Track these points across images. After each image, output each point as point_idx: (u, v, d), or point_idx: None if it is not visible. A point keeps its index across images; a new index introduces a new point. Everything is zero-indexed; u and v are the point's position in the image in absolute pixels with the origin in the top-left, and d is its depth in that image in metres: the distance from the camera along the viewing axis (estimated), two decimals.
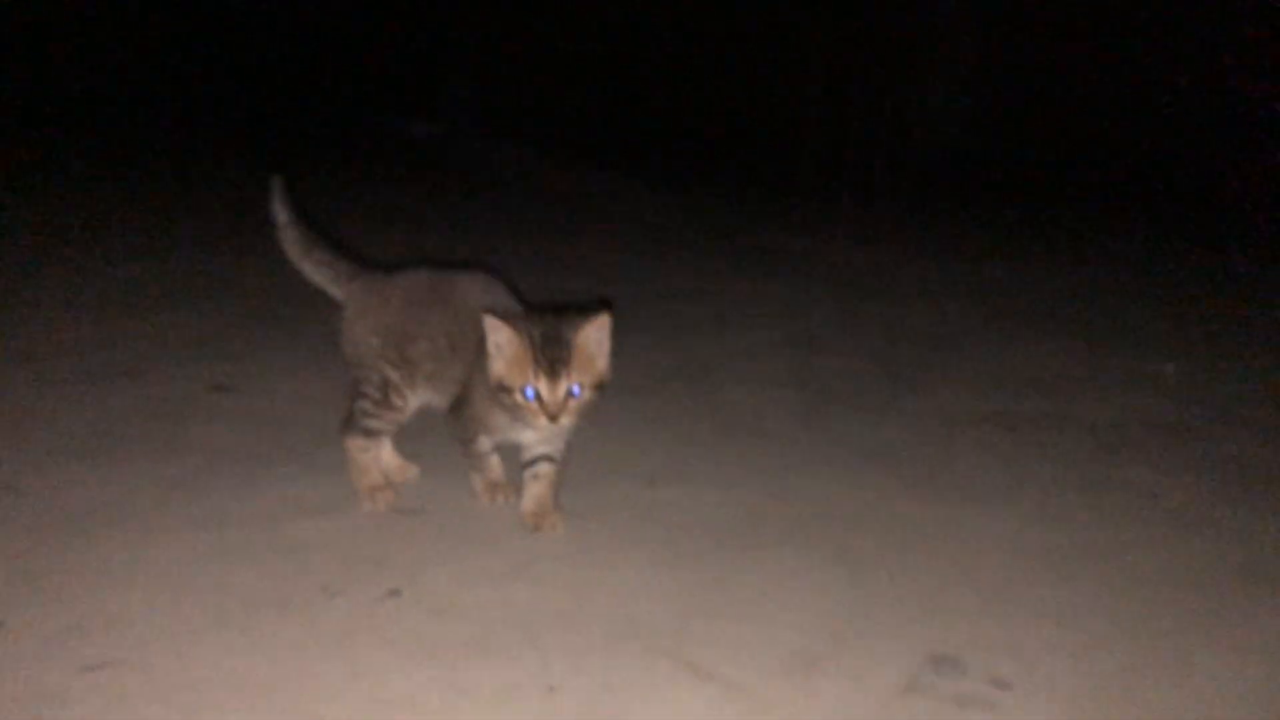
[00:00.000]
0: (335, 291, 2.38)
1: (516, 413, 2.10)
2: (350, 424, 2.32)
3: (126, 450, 2.54)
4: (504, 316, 2.07)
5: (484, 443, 2.31)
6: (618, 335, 2.14)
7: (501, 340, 2.06)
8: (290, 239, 2.38)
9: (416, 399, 2.34)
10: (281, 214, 2.38)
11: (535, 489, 2.28)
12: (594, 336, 2.08)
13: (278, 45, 11.83)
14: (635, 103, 11.62)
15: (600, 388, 2.12)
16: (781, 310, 4.44)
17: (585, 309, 2.12)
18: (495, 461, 2.36)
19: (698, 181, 8.22)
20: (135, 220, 5.27)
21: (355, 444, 2.32)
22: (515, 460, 2.33)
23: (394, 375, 2.29)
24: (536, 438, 2.23)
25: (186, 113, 10.09)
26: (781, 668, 1.83)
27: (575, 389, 2.07)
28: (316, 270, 2.38)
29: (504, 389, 2.07)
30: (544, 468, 2.27)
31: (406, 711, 1.65)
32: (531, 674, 1.76)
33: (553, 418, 2.05)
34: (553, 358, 2.04)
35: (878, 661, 1.86)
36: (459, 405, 2.27)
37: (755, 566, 2.19)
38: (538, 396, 2.06)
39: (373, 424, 2.32)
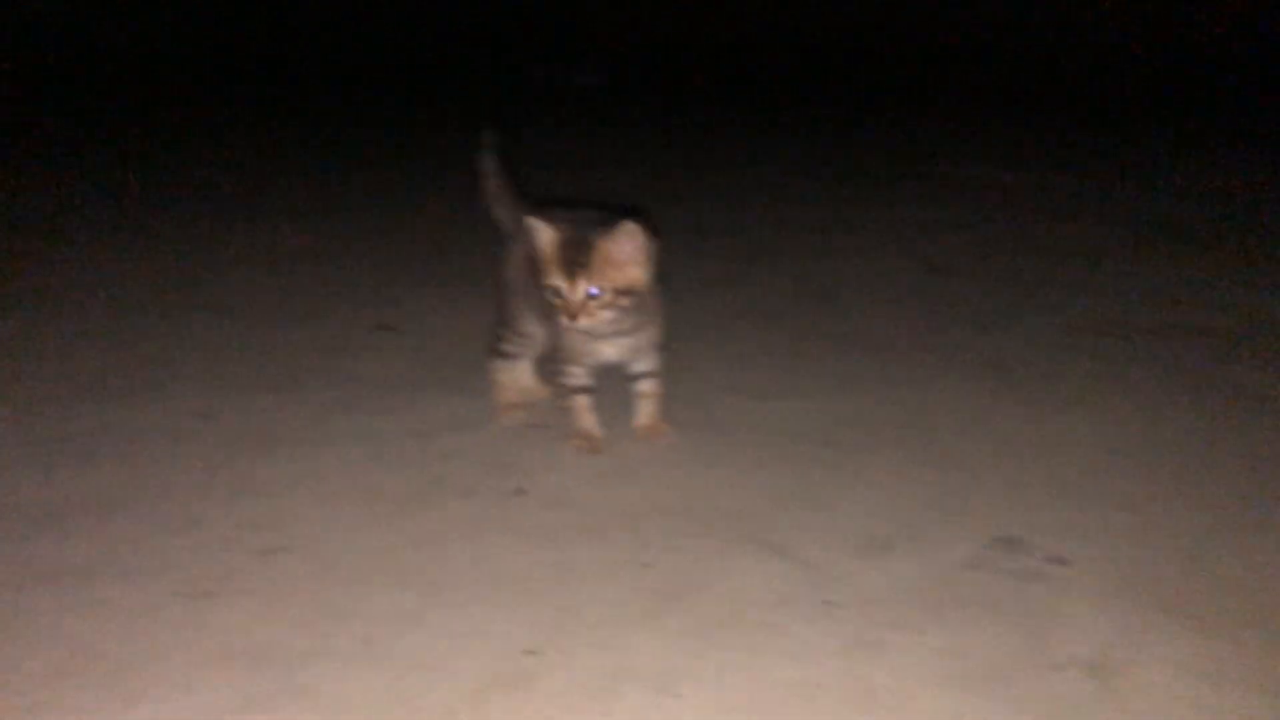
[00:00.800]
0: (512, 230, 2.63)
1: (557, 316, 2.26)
2: (491, 347, 2.63)
3: (300, 382, 2.92)
4: (543, 220, 2.26)
5: (574, 375, 2.46)
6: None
7: (540, 242, 2.25)
8: (489, 189, 2.65)
9: (542, 330, 2.60)
10: (488, 165, 2.66)
11: (643, 405, 2.52)
12: (621, 244, 2.20)
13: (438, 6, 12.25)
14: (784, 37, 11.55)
15: (631, 294, 2.23)
16: (916, 233, 4.51)
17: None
18: (587, 405, 2.49)
19: (835, 109, 8.21)
20: (307, 181, 5.75)
21: (494, 365, 2.63)
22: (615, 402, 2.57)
23: (520, 305, 2.57)
24: (614, 353, 2.40)
25: (348, 72, 10.67)
26: (855, 549, 2.02)
27: (594, 290, 2.19)
28: (504, 215, 2.64)
29: (546, 288, 2.26)
30: (646, 385, 2.50)
31: (516, 584, 1.93)
32: (630, 553, 2.02)
33: (572, 316, 2.20)
34: (571, 259, 2.19)
35: (945, 544, 2.03)
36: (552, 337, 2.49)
37: (848, 465, 2.38)
38: (559, 295, 2.24)
39: (507, 348, 2.62)
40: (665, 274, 2.39)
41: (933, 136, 7.07)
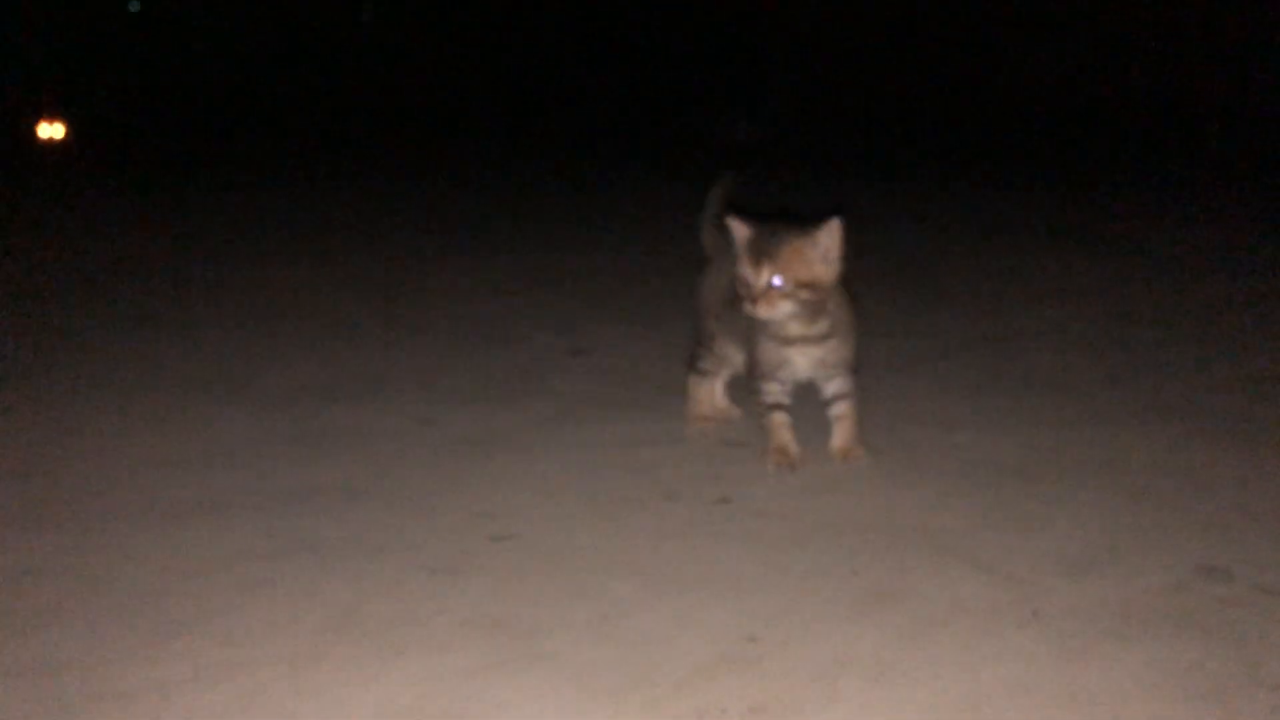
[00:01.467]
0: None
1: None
2: (688, 363, 2.79)
3: (508, 396, 3.13)
4: (740, 219, 2.42)
5: (769, 390, 2.56)
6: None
7: (735, 238, 2.41)
8: (711, 215, 2.82)
9: (735, 350, 2.73)
10: (719, 194, 2.85)
11: (840, 427, 2.62)
12: (818, 239, 2.32)
13: (605, 50, 12.71)
14: (958, 93, 11.56)
15: (813, 289, 2.33)
16: (1098, 287, 4.51)
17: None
18: (784, 422, 2.58)
19: (1023, 170, 8.20)
20: (501, 219, 6.09)
21: (690, 378, 2.78)
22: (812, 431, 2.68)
23: (713, 325, 2.72)
24: (805, 365, 2.49)
25: (519, 122, 11.15)
26: (1058, 568, 2.08)
27: (777, 280, 2.30)
28: (710, 240, 2.82)
29: (739, 280, 2.39)
30: (842, 407, 2.60)
31: (730, 580, 2.06)
32: (836, 561, 2.12)
33: (754, 301, 2.31)
34: (760, 249, 2.33)
35: (1148, 568, 2.07)
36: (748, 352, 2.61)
37: (1037, 493, 2.43)
38: (746, 284, 2.36)
39: (702, 364, 2.78)
40: (858, 302, 2.51)
41: (1108, 194, 7.01)
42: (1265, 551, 2.14)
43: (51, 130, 10.07)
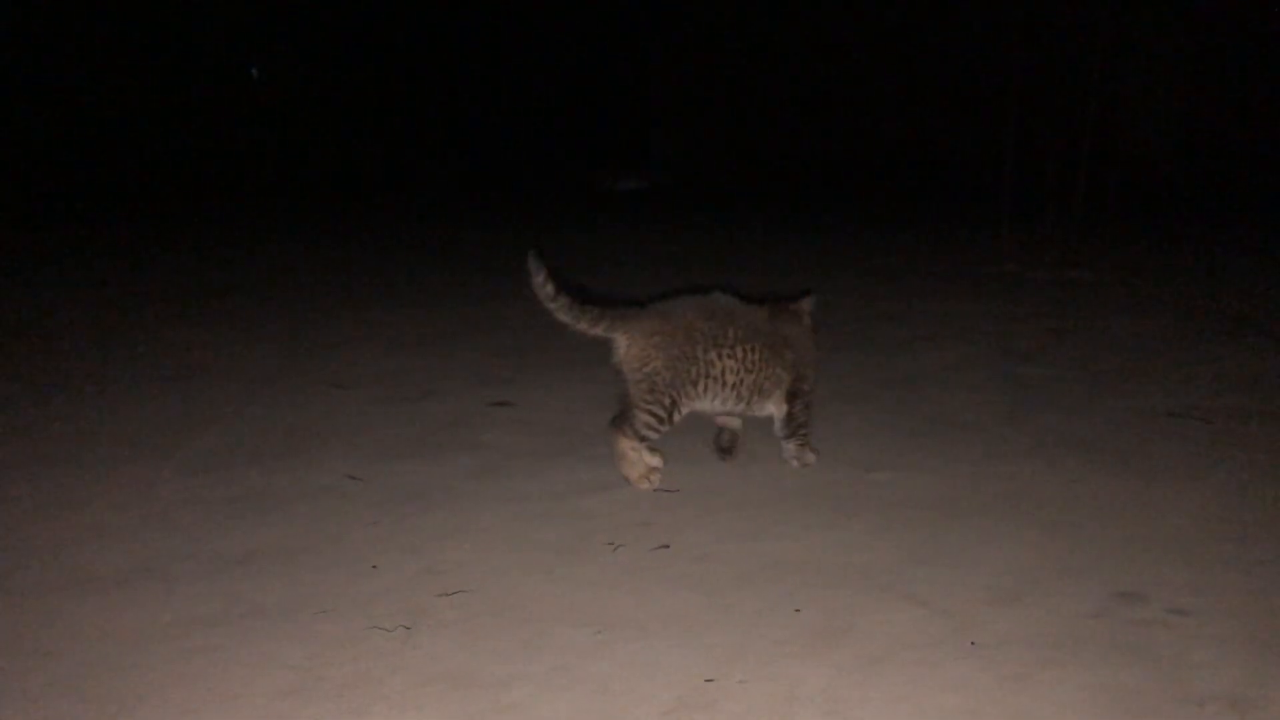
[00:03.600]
0: (614, 336, 2.79)
1: None
2: (629, 428, 2.77)
3: (436, 450, 3.15)
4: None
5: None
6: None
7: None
8: (561, 308, 2.77)
9: (691, 408, 2.83)
10: (547, 288, 2.76)
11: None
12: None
13: (491, 106, 12.87)
14: (831, 143, 12.02)
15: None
16: (988, 327, 4.74)
17: None
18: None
19: (901, 216, 8.54)
20: (399, 273, 6.08)
21: (631, 444, 2.79)
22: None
23: (679, 397, 2.78)
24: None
25: (410, 178, 11.16)
26: (985, 598, 2.21)
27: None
28: (592, 326, 2.77)
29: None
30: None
31: (680, 623, 2.12)
32: (780, 601, 2.21)
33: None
34: None
35: (1070, 596, 2.21)
36: (794, 396, 2.90)
37: (959, 529, 2.57)
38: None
39: (650, 434, 2.78)
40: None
41: (988, 238, 7.35)
42: (1173, 575, 2.30)
43: None
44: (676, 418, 2.80)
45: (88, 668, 1.97)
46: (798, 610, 2.17)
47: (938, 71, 11.80)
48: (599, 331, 2.78)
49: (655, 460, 2.89)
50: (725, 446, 3.03)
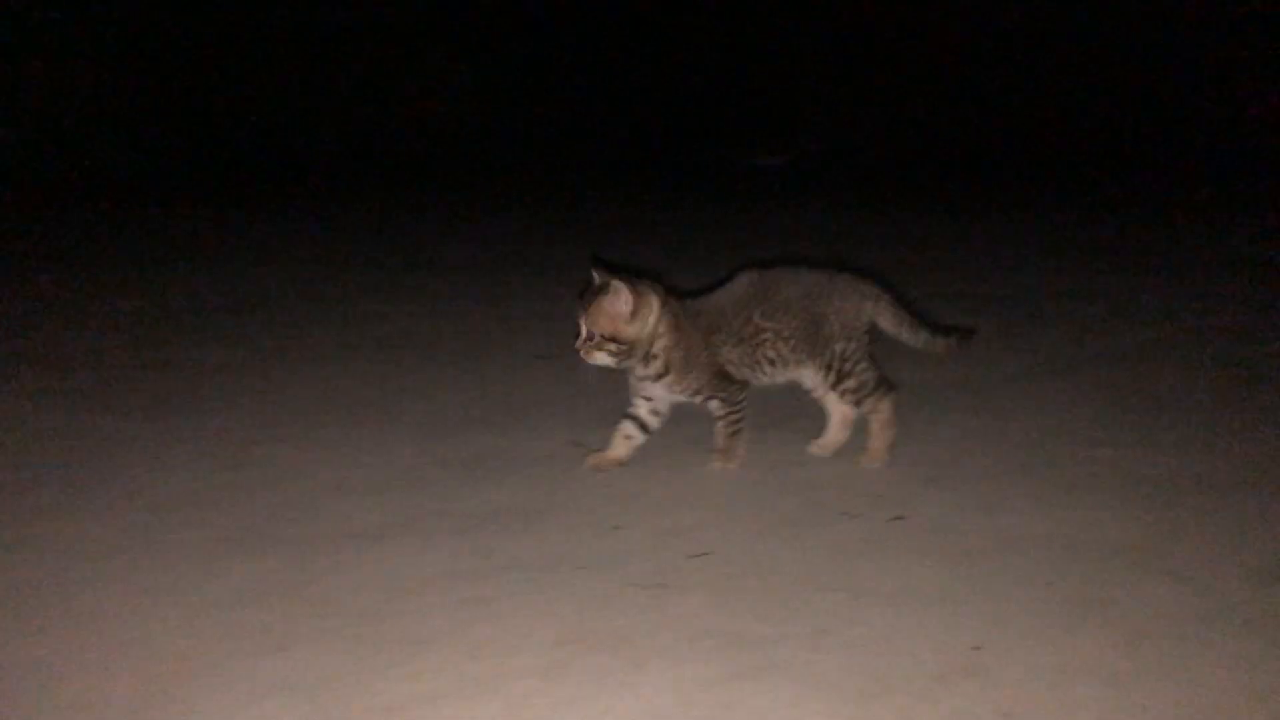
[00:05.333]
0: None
1: None
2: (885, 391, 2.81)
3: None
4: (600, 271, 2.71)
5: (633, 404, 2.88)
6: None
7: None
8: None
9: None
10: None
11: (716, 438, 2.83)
12: (611, 301, 2.62)
13: (633, 83, 12.91)
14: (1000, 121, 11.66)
15: (620, 342, 2.64)
16: (1205, 305, 4.57)
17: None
18: (623, 432, 2.86)
19: (1081, 193, 8.29)
20: (571, 246, 6.20)
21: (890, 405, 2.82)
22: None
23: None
24: (661, 393, 2.81)
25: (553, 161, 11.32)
26: (1247, 575, 2.17)
27: (588, 332, 2.64)
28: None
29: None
30: (716, 426, 2.82)
31: (931, 593, 2.13)
32: (1028, 575, 2.20)
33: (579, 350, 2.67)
34: (580, 304, 2.66)
35: None
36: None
37: (1204, 506, 2.51)
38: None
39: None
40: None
41: (1183, 211, 7.09)
42: None
43: None
44: None
45: (369, 614, 2.09)
46: (1049, 584, 2.16)
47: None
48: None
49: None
50: None
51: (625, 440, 2.84)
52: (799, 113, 13.55)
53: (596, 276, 2.71)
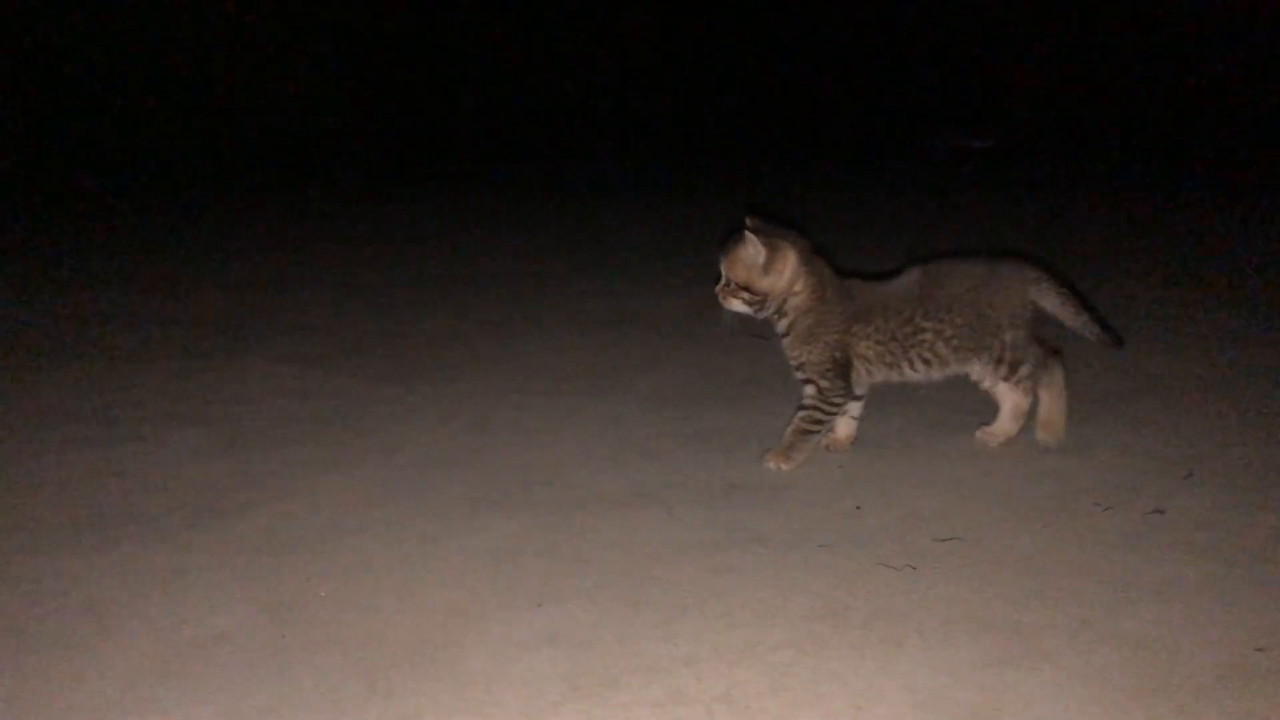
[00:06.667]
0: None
1: None
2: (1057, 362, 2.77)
3: (876, 402, 3.17)
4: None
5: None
6: None
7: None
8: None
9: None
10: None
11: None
12: (742, 250, 2.64)
13: (838, 65, 12.68)
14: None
15: (754, 292, 2.67)
16: None
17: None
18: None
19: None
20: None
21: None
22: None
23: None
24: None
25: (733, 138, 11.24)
26: None
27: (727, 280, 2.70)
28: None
29: None
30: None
31: (1204, 590, 2.04)
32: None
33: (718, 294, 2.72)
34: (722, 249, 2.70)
35: None
36: None
37: None
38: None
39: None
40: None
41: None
42: None
43: None
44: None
45: (625, 576, 2.15)
46: None
47: None
48: None
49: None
50: None
51: (849, 420, 2.83)
52: (1008, 92, 13.01)
53: (748, 223, 2.69)
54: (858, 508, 2.46)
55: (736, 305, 2.72)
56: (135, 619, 2.03)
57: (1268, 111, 10.33)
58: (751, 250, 2.64)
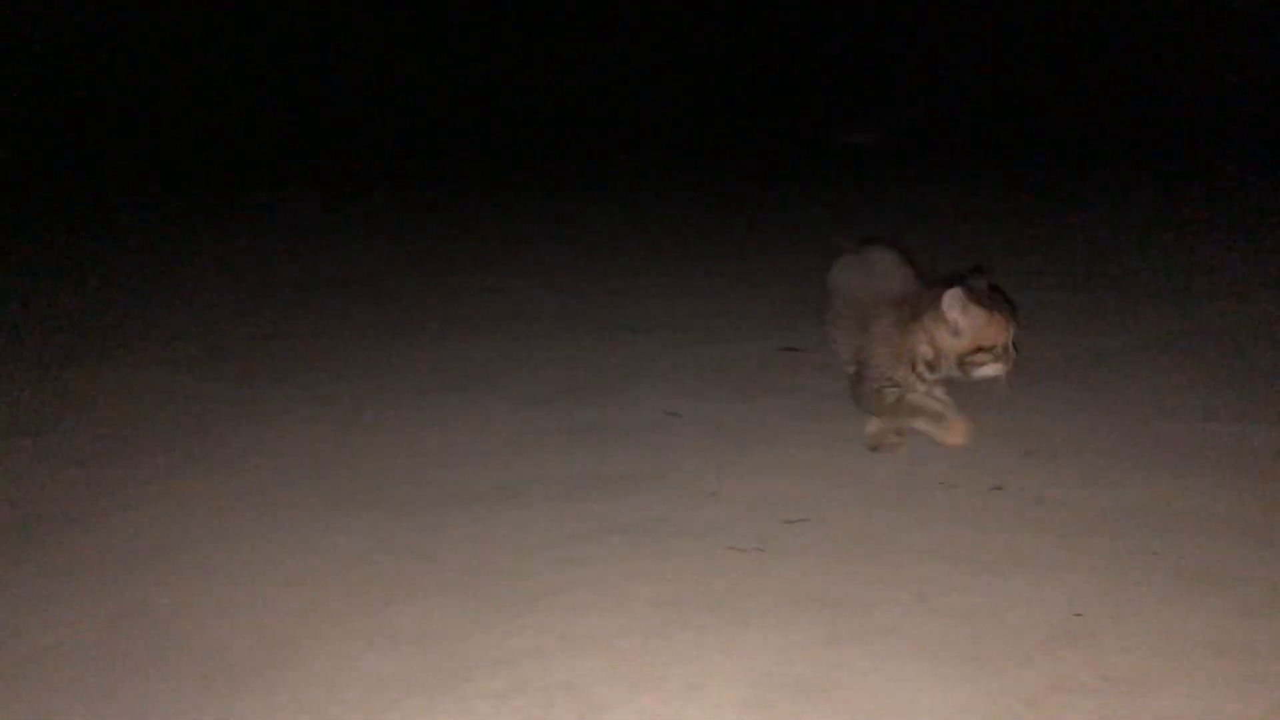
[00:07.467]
0: None
1: None
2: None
3: (745, 390, 3.23)
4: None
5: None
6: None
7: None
8: None
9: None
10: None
11: None
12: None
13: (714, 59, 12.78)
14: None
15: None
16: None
17: None
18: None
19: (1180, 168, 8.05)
20: (666, 224, 6.23)
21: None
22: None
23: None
24: None
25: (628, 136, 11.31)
26: None
27: None
28: None
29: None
30: None
31: (1032, 562, 2.12)
32: (1134, 545, 2.17)
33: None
34: None
35: None
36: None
37: None
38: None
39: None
40: None
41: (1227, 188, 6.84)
42: None
43: None
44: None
45: (477, 572, 2.16)
46: (1156, 554, 2.13)
47: None
48: None
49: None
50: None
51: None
52: (890, 88, 13.28)
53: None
54: (713, 494, 2.50)
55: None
56: None
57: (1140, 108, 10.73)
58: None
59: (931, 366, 2.66)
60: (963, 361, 2.60)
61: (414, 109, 11.64)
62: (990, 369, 2.60)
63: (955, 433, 2.67)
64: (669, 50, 12.71)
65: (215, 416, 3.09)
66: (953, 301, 2.54)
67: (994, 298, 2.65)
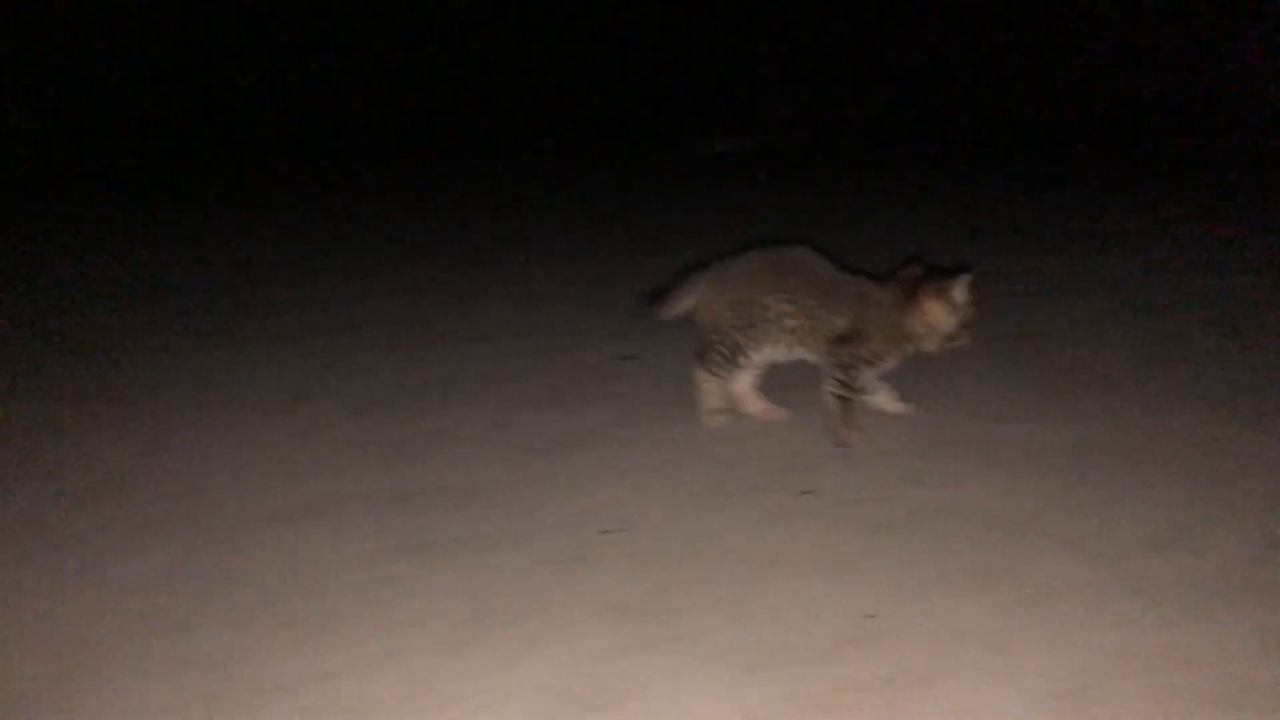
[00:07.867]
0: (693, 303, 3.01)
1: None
2: (703, 364, 2.94)
3: (574, 399, 3.23)
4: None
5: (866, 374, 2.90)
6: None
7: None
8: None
9: (761, 356, 2.93)
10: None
11: None
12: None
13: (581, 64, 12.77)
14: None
15: None
16: (1116, 283, 4.64)
17: None
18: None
19: (1018, 172, 8.37)
20: (514, 231, 6.19)
21: (703, 377, 2.94)
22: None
23: (741, 339, 2.87)
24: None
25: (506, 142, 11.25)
26: (1137, 544, 2.22)
27: None
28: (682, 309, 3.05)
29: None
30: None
31: (835, 563, 2.18)
32: (929, 545, 2.25)
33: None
34: None
35: (1223, 544, 2.21)
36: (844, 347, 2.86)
37: (1101, 478, 2.56)
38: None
39: (718, 370, 2.93)
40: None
41: (1111, 195, 7.18)
42: None
43: None
44: (743, 360, 2.91)
45: (277, 595, 2.11)
46: (949, 553, 2.21)
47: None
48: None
49: (755, 406, 3.00)
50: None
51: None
52: (755, 97, 13.47)
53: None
54: (530, 507, 2.49)
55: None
56: None
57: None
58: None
59: (918, 344, 2.88)
60: (950, 337, 2.85)
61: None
62: (964, 342, 2.89)
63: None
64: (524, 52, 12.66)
65: (18, 438, 2.96)
66: (962, 286, 2.82)
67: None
